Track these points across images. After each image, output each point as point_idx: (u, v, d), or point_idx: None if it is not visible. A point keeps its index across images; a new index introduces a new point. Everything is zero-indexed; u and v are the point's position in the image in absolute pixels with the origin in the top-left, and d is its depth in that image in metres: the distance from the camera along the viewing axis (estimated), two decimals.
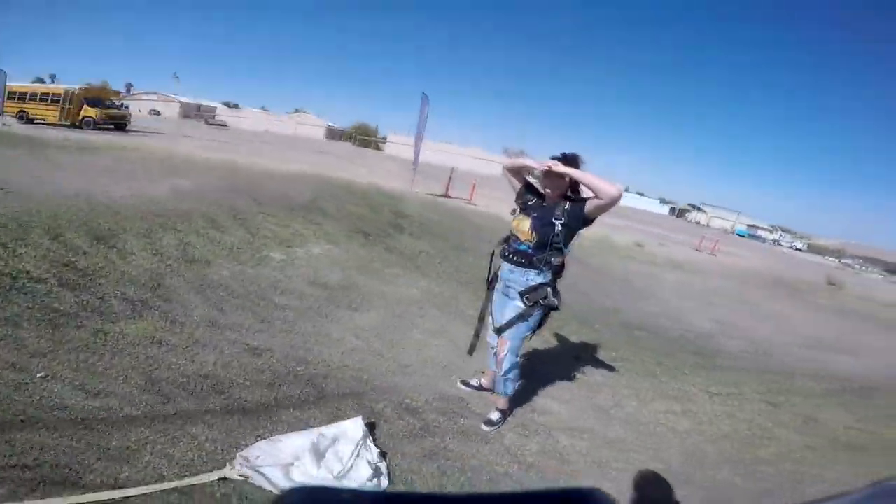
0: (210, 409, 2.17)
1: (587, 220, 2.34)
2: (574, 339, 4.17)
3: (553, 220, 2.33)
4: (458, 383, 2.95)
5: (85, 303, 2.96)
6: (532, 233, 2.38)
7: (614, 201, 2.22)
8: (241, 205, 6.41)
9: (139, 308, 3.04)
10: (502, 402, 2.63)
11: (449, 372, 3.14)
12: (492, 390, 2.79)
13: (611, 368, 3.68)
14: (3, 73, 16.37)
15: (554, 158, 2.34)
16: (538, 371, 3.38)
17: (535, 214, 2.40)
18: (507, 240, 2.55)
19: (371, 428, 2.22)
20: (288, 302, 3.72)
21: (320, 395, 2.48)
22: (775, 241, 46.46)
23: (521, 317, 2.42)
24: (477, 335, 2.81)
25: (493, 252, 2.68)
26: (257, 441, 1.97)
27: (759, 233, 49.70)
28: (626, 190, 57.79)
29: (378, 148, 46.03)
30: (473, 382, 2.94)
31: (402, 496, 0.57)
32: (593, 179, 2.23)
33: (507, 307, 2.48)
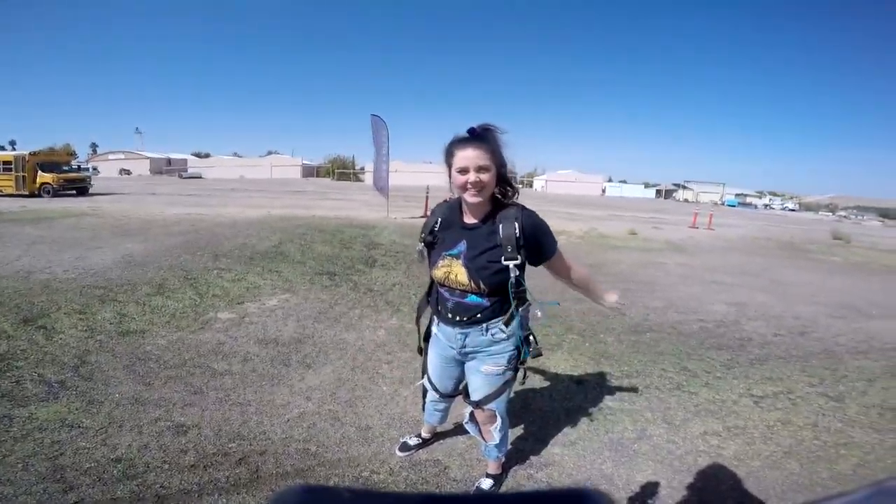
0: (117, 497, 1.96)
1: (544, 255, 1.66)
2: (574, 357, 3.51)
3: (501, 260, 1.55)
4: (397, 452, 2.27)
5: None
6: (476, 283, 1.59)
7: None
8: (195, 263, 5.90)
9: (56, 390, 2.85)
10: (493, 467, 2.07)
11: (407, 418, 2.57)
12: (431, 438, 2.35)
13: (625, 388, 3.03)
14: None
15: (455, 141, 1.56)
16: (531, 408, 2.75)
17: (464, 251, 1.61)
18: (430, 293, 1.82)
19: None
20: (229, 367, 3.16)
21: (253, 477, 2.10)
22: (766, 206, 46.32)
23: (505, 383, 1.76)
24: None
25: (418, 313, 1.97)
26: None
27: (749, 200, 49.45)
28: (609, 180, 57.74)
29: (358, 179, 45.74)
30: (412, 442, 2.31)
31: (402, 496, 0.34)
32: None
33: (475, 375, 1.78)
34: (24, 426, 2.40)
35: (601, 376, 3.22)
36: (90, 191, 18.88)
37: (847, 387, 3.13)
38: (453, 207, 1.69)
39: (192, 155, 62.63)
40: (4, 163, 17.90)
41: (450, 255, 1.62)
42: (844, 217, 34.02)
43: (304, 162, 52.93)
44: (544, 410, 2.73)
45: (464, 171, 1.50)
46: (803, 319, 4.91)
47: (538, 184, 52.99)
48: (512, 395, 1.86)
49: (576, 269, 1.76)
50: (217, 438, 2.36)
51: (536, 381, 3.08)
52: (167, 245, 7.19)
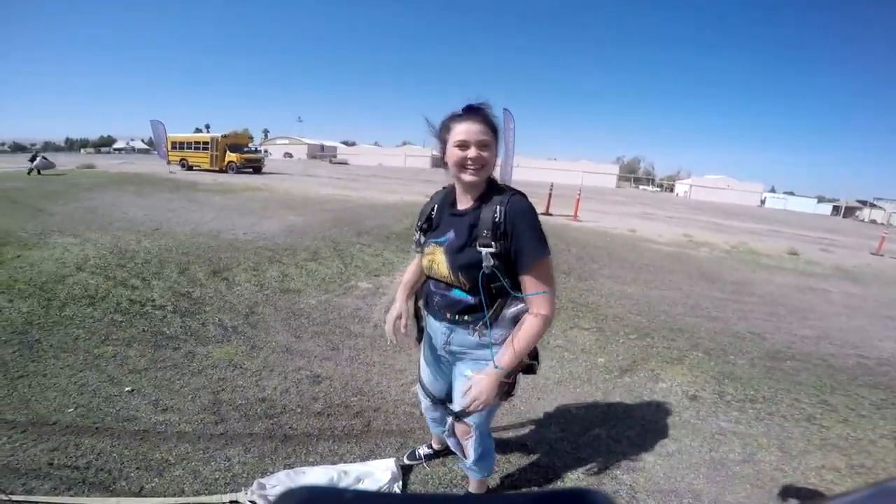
0: (254, 432, 2.22)
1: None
2: (693, 374, 3.33)
3: (476, 246, 1.35)
4: (405, 459, 2.11)
5: (188, 327, 3.40)
6: (455, 274, 1.40)
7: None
8: (341, 237, 6.84)
9: (229, 333, 3.35)
10: (475, 485, 1.83)
11: (514, 409, 2.67)
12: (446, 451, 2.10)
13: (745, 411, 2.84)
14: (162, 124, 19.87)
15: (454, 115, 1.38)
16: (634, 415, 2.72)
17: (451, 239, 1.43)
18: (426, 283, 1.63)
19: (405, 472, 2.05)
20: (362, 330, 3.66)
21: (365, 430, 2.35)
22: None
23: None
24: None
25: (417, 301, 1.74)
26: (283, 469, 1.98)
27: None
28: (772, 190, 50.02)
29: None
30: (422, 452, 2.14)
31: (404, 497, 0.54)
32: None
33: (458, 379, 1.57)
34: (202, 363, 2.85)
35: (719, 395, 3.04)
36: (263, 170, 22.43)
37: None
38: (449, 193, 1.53)
39: (341, 143, 69.83)
40: (204, 143, 22.20)
41: (436, 242, 1.47)
42: None
43: (434, 153, 55.38)
44: (647, 419, 2.67)
45: (463, 145, 1.33)
46: None
47: (680, 188, 48.16)
48: (496, 409, 1.65)
49: (532, 311, 1.36)
50: (343, 391, 2.68)
51: (645, 392, 3.01)
52: (320, 220, 8.41)
